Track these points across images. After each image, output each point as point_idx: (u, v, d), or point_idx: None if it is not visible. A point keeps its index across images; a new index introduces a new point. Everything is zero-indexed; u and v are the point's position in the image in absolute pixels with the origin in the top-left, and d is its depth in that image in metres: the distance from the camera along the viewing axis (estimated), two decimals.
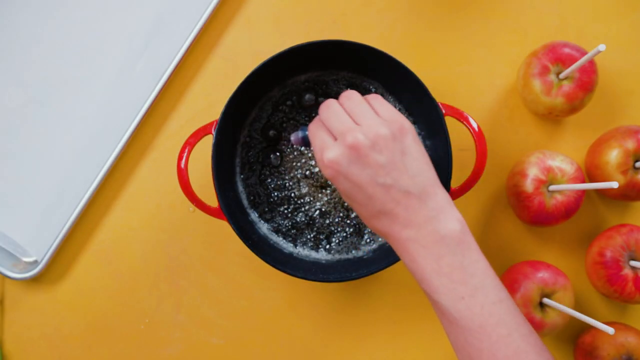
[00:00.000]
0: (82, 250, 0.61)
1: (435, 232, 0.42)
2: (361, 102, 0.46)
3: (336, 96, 0.57)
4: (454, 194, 0.53)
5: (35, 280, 0.60)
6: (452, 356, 0.61)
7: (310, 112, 0.58)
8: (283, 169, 0.58)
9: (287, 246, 0.57)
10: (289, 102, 0.58)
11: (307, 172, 0.57)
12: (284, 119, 0.58)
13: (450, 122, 0.52)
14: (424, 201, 0.43)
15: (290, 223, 0.57)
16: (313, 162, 0.58)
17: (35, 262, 0.59)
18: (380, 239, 0.57)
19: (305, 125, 0.57)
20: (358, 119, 0.44)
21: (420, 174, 0.43)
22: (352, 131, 0.43)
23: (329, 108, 0.46)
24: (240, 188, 0.57)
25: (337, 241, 0.57)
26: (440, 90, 0.61)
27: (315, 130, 0.46)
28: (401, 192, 0.43)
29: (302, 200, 0.57)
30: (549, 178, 0.56)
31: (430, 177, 0.44)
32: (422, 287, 0.44)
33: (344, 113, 0.45)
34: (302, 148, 0.57)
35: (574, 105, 0.57)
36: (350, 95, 0.47)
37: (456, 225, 0.43)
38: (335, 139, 0.44)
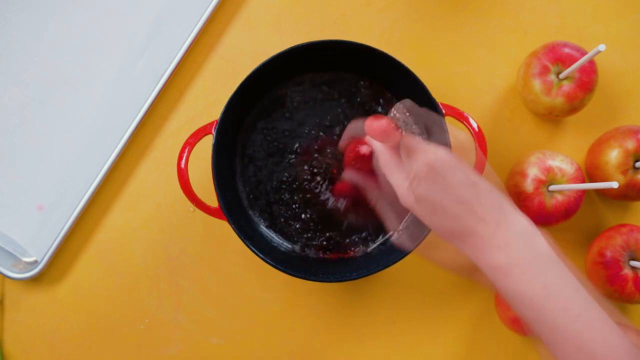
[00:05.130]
0: (82, 250, 0.61)
1: (531, 251, 0.40)
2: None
3: (337, 97, 0.58)
4: None
5: (35, 280, 0.60)
6: (451, 356, 0.61)
7: (311, 112, 0.58)
8: (283, 168, 0.58)
9: (287, 246, 0.57)
10: (288, 103, 0.58)
11: (308, 173, 0.57)
12: (285, 119, 0.58)
13: (450, 122, 0.52)
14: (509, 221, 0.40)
15: (290, 223, 0.57)
16: (314, 163, 0.58)
17: (35, 262, 0.59)
18: (380, 239, 0.57)
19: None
20: None
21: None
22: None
23: None
24: (240, 188, 0.57)
25: (336, 241, 0.57)
26: (440, 90, 0.61)
27: None
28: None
29: (302, 201, 0.57)
30: (549, 178, 0.56)
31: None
32: (527, 314, 0.40)
33: None
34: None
35: (574, 105, 0.57)
36: None
37: (546, 242, 0.40)
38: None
